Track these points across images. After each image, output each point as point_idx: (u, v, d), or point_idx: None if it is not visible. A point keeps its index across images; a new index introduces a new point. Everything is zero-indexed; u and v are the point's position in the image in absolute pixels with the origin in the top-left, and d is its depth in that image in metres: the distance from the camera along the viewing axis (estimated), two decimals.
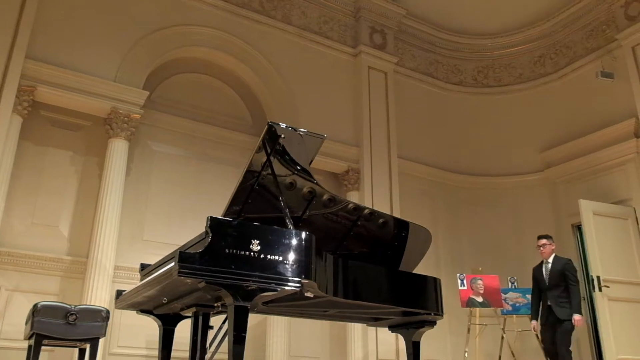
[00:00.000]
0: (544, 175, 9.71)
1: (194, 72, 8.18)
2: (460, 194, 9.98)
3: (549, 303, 6.51)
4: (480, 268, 8.32)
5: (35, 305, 4.61)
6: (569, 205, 9.17)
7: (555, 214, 9.43)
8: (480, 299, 7.79)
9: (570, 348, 6.40)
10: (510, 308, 8.04)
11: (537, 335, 7.76)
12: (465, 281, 7.87)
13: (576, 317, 6.29)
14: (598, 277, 7.69)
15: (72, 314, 4.63)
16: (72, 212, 6.69)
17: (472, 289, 7.84)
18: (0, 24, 6.39)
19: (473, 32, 10.69)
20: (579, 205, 8.19)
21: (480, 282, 7.87)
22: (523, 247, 9.46)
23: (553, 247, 6.81)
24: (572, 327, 6.34)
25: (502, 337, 8.02)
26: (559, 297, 6.47)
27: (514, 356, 8.04)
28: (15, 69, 6.33)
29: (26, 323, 4.83)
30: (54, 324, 4.56)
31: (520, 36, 10.52)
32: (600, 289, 7.63)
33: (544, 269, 6.75)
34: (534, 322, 6.75)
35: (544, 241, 6.79)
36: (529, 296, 7.98)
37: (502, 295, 7.98)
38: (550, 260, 6.72)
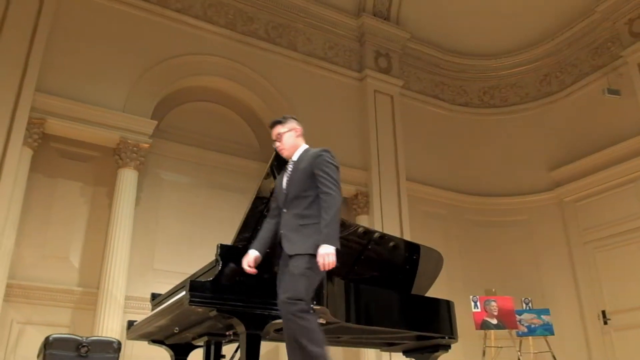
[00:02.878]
0: (554, 194, 9.65)
1: (201, 101, 8.24)
2: (470, 215, 9.93)
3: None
4: (493, 289, 8.22)
5: (47, 338, 4.59)
6: (581, 224, 9.11)
7: (567, 232, 9.36)
8: (494, 321, 7.68)
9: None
10: (525, 329, 7.93)
11: (553, 356, 7.65)
12: (478, 303, 7.77)
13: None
14: None
15: (83, 346, 4.60)
16: (82, 242, 6.70)
17: (486, 311, 7.74)
18: (10, 58, 6.48)
19: (478, 53, 10.73)
20: None
21: (494, 303, 7.77)
22: (536, 267, 9.38)
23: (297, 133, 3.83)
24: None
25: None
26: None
27: None
28: (25, 102, 6.40)
29: (38, 356, 4.80)
30: (65, 357, 4.53)
31: (525, 55, 10.54)
32: None
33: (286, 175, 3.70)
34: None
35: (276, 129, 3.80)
36: (544, 317, 7.89)
37: (517, 316, 7.87)
38: (296, 157, 3.70)
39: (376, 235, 4.75)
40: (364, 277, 4.76)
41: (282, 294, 3.15)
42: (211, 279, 3.23)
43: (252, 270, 3.35)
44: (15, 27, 6.62)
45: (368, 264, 4.80)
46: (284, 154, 3.71)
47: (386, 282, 4.81)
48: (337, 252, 3.20)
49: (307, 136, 8.64)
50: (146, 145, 7.06)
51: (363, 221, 8.34)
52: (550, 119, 10.09)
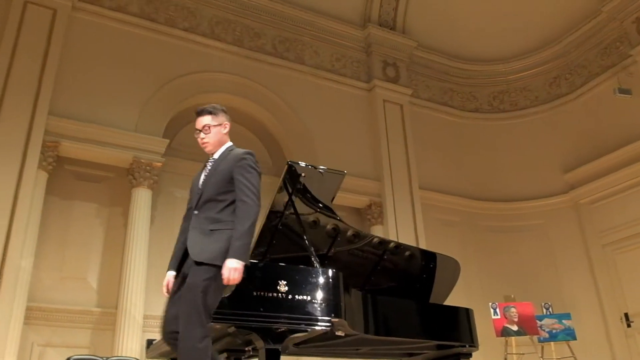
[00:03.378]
0: (569, 197, 9.57)
1: None
2: (486, 221, 9.87)
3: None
4: (512, 296, 8.14)
5: None
6: (597, 225, 9.03)
7: (584, 235, 9.27)
8: (515, 328, 7.61)
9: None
10: (547, 335, 7.84)
11: None
12: (498, 310, 7.71)
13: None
14: None
15: None
16: (99, 263, 6.73)
17: (506, 318, 7.67)
18: (23, 83, 6.57)
19: (485, 59, 10.72)
20: None
21: (513, 310, 7.70)
22: (555, 271, 9.30)
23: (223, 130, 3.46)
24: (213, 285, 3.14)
25: None
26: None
27: None
28: (38, 126, 6.48)
29: None
30: None
31: (534, 59, 10.52)
32: None
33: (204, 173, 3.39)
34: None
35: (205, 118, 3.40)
36: (566, 321, 7.79)
37: (538, 322, 7.78)
38: (217, 155, 3.39)
39: (391, 245, 4.74)
40: (381, 288, 4.75)
41: (179, 326, 2.85)
42: (229, 294, 3.23)
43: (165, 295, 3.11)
44: (27, 52, 6.72)
45: (385, 274, 4.79)
46: (207, 148, 3.34)
47: (404, 292, 4.79)
48: (245, 268, 2.96)
49: (318, 149, 8.67)
50: (159, 164, 7.10)
51: (378, 231, 8.32)
52: (562, 122, 10.04)
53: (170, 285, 3.16)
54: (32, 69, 6.70)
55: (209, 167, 3.30)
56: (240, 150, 3.32)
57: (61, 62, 6.97)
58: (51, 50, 6.89)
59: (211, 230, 3.07)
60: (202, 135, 3.33)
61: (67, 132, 6.70)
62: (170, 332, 3.01)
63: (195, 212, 3.17)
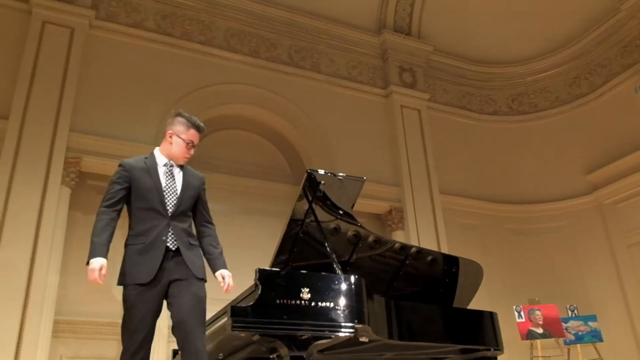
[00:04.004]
0: (592, 198, 9.47)
1: (230, 129, 8.35)
2: (508, 224, 9.80)
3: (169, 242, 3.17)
4: (537, 298, 8.06)
5: None
6: (622, 226, 8.91)
7: (609, 235, 9.15)
8: (540, 330, 7.53)
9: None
10: (573, 337, 7.74)
11: None
12: (522, 313, 7.63)
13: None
14: None
15: None
16: None
17: (531, 321, 7.59)
18: (44, 101, 6.69)
19: (503, 61, 10.67)
20: None
21: (538, 312, 7.62)
22: (579, 272, 9.19)
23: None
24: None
25: None
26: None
27: None
28: (60, 143, 6.60)
29: None
30: None
31: (553, 59, 10.45)
32: None
33: (163, 176, 3.28)
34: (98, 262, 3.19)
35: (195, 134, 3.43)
36: (592, 323, 7.69)
37: (563, 324, 7.70)
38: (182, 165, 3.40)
39: (413, 250, 4.73)
40: (404, 293, 4.74)
41: (189, 334, 2.93)
42: (252, 303, 3.25)
43: (100, 282, 3.09)
44: (46, 70, 6.85)
45: (407, 279, 4.77)
46: (183, 161, 3.33)
47: (427, 297, 4.77)
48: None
49: (336, 156, 8.68)
50: None
51: (399, 237, 8.30)
52: (583, 122, 9.94)
53: (104, 271, 3.11)
54: (52, 87, 6.83)
55: (177, 176, 3.29)
56: (195, 170, 3.44)
57: (80, 79, 7.09)
58: (70, 68, 7.02)
59: (191, 244, 3.19)
60: (192, 150, 3.34)
61: (88, 148, 6.81)
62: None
63: (170, 217, 3.16)
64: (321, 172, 4.02)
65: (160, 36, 7.88)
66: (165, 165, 3.28)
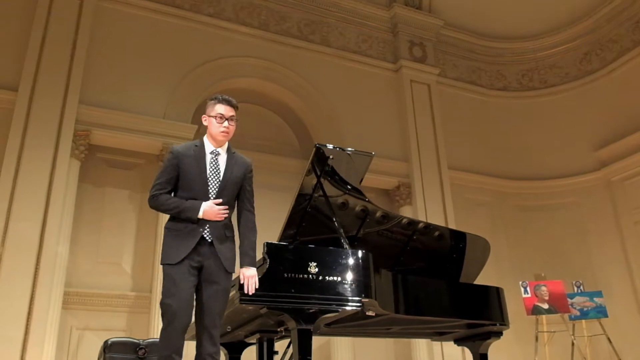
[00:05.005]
0: (601, 174, 9.42)
1: (239, 102, 8.30)
2: (516, 200, 9.79)
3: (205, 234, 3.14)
4: (543, 274, 8.10)
5: (105, 342, 4.73)
6: (630, 202, 8.89)
7: (616, 212, 9.13)
8: (545, 306, 7.57)
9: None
10: (578, 313, 7.79)
11: (608, 338, 7.49)
12: (528, 289, 7.67)
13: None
14: None
15: (141, 348, 4.71)
16: (133, 248, 6.87)
17: (537, 296, 7.63)
18: (54, 74, 6.69)
19: (514, 36, 10.56)
20: None
21: (544, 288, 7.66)
22: (586, 249, 9.20)
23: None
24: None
25: (572, 344, 7.76)
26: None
27: None
28: (70, 116, 6.61)
29: None
30: (125, 359, 4.67)
31: (563, 35, 10.32)
32: None
33: (209, 164, 3.26)
34: None
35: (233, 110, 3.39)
36: (597, 299, 7.73)
37: (569, 300, 7.74)
38: (224, 150, 3.35)
39: (421, 225, 4.75)
40: (411, 268, 4.77)
41: (212, 319, 3.01)
42: (260, 277, 3.28)
43: (226, 212, 3.12)
44: (55, 43, 6.83)
45: (414, 254, 4.80)
46: (225, 138, 3.28)
47: (434, 272, 4.80)
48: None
49: (345, 131, 8.67)
50: None
51: (406, 212, 8.32)
52: (593, 98, 9.85)
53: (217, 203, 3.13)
54: (62, 60, 6.82)
55: (222, 164, 3.26)
56: (244, 157, 3.39)
57: (89, 52, 7.07)
58: (79, 40, 7.00)
59: (227, 236, 3.16)
60: (227, 123, 3.27)
61: (97, 121, 6.82)
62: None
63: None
64: (330, 146, 4.02)
65: (170, 8, 7.83)
66: (212, 152, 3.26)
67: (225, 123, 3.26)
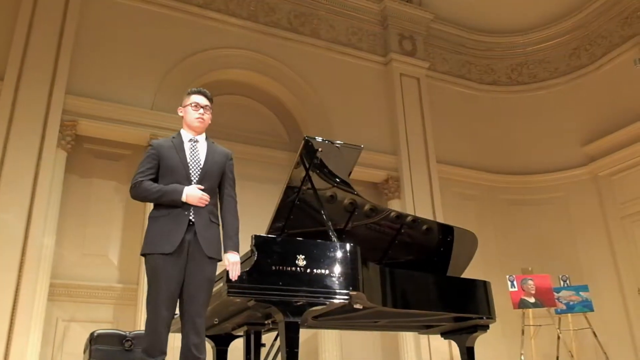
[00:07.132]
0: (589, 169, 9.48)
1: (228, 94, 8.28)
2: (503, 194, 9.84)
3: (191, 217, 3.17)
4: (530, 268, 8.14)
5: (91, 334, 4.70)
6: (617, 198, 8.96)
7: (603, 207, 9.20)
8: (532, 300, 7.62)
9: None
10: (564, 307, 7.84)
11: (593, 332, 7.55)
12: (515, 282, 7.72)
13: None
14: None
15: (127, 340, 4.70)
16: (120, 240, 6.83)
17: (523, 290, 7.68)
18: (40, 63, 6.61)
19: (504, 30, 10.57)
20: None
21: (531, 282, 7.70)
22: (573, 243, 9.27)
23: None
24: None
25: (558, 337, 7.83)
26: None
27: (572, 356, 7.84)
28: (56, 106, 6.54)
29: (84, 352, 4.92)
30: (111, 351, 4.64)
31: (553, 30, 10.35)
32: None
33: (188, 151, 3.36)
34: None
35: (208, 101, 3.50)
36: (583, 293, 7.78)
37: (555, 294, 7.79)
38: (203, 138, 3.48)
39: (409, 219, 4.75)
40: (398, 261, 4.77)
41: (195, 308, 3.02)
42: (247, 269, 3.27)
43: (207, 198, 3.17)
44: (42, 31, 6.75)
45: (402, 248, 4.80)
46: (200, 126, 3.40)
47: (421, 265, 4.81)
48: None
49: (334, 124, 8.66)
50: None
51: (395, 205, 8.33)
52: (581, 93, 9.90)
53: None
54: (48, 49, 6.73)
55: (202, 151, 3.35)
56: (219, 146, 3.51)
57: (77, 41, 6.99)
58: (66, 29, 6.92)
59: (211, 221, 3.21)
60: (202, 110, 3.40)
61: (84, 111, 6.75)
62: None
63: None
64: (319, 139, 4.01)
65: None
66: (190, 140, 3.36)
67: (201, 110, 3.39)
